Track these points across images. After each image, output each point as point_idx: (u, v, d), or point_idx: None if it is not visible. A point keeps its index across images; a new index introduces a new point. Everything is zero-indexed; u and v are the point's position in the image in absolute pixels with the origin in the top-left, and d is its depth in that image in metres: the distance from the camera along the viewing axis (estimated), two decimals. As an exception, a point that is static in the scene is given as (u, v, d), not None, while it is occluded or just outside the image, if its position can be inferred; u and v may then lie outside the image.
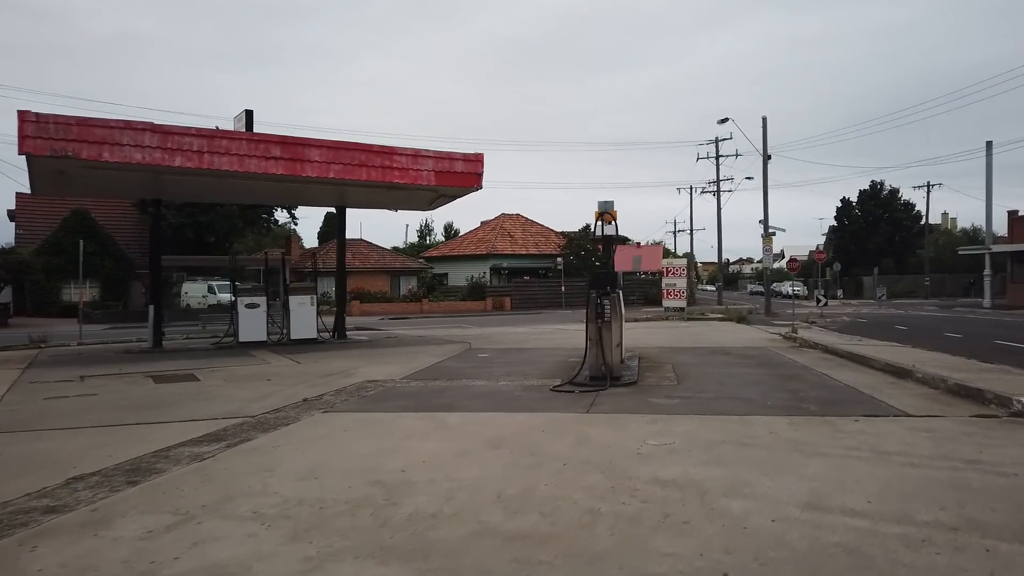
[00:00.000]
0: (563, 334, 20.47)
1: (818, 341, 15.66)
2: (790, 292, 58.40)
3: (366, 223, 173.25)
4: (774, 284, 70.37)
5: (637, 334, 19.99)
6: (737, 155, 47.58)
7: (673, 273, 30.02)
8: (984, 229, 42.19)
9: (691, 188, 61.58)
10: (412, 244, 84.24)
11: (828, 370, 11.28)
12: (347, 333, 20.81)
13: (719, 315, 29.51)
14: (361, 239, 52.70)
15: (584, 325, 10.28)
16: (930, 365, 11.64)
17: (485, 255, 49.80)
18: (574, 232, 50.13)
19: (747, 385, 9.74)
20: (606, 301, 9.94)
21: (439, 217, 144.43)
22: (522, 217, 55.11)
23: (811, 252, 40.89)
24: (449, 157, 17.03)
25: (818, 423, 7.03)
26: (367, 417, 7.73)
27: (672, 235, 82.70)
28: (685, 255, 72.59)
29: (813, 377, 10.52)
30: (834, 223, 71.85)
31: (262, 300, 17.95)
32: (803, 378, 10.42)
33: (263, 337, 17.57)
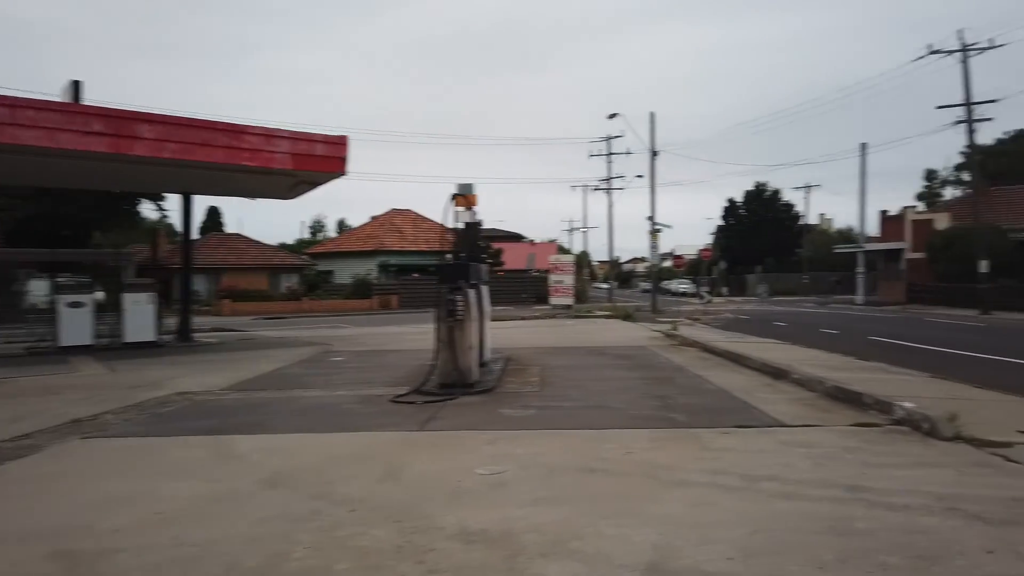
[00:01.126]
0: (439, 334, 19.10)
1: (697, 339, 15.00)
2: (679, 290, 59.50)
3: (251, 217, 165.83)
4: (665, 282, 72.09)
5: (517, 333, 18.92)
6: (629, 153, 47.63)
7: (560, 270, 29.28)
8: (858, 228, 43.96)
9: (584, 186, 61.64)
10: (302, 241, 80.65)
11: (704, 371, 10.45)
12: (197, 335, 18.63)
13: (606, 313, 28.93)
14: (238, 234, 49.57)
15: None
16: (808, 364, 11.02)
17: (372, 252, 47.72)
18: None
19: (616, 391, 8.70)
20: (458, 297, 8.66)
21: (332, 212, 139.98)
22: (413, 213, 53.25)
23: (700, 251, 41.43)
24: (308, 139, 15.34)
25: (684, 438, 5.99)
26: (135, 445, 6.11)
27: (568, 233, 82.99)
28: (581, 253, 72.92)
29: (687, 380, 9.62)
30: (721, 223, 73.91)
31: (88, 298, 15.62)
32: (676, 381, 9.51)
33: (88, 340, 15.27)
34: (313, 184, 17.30)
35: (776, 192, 70.70)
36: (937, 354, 14.27)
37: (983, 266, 28.27)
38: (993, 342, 16.78)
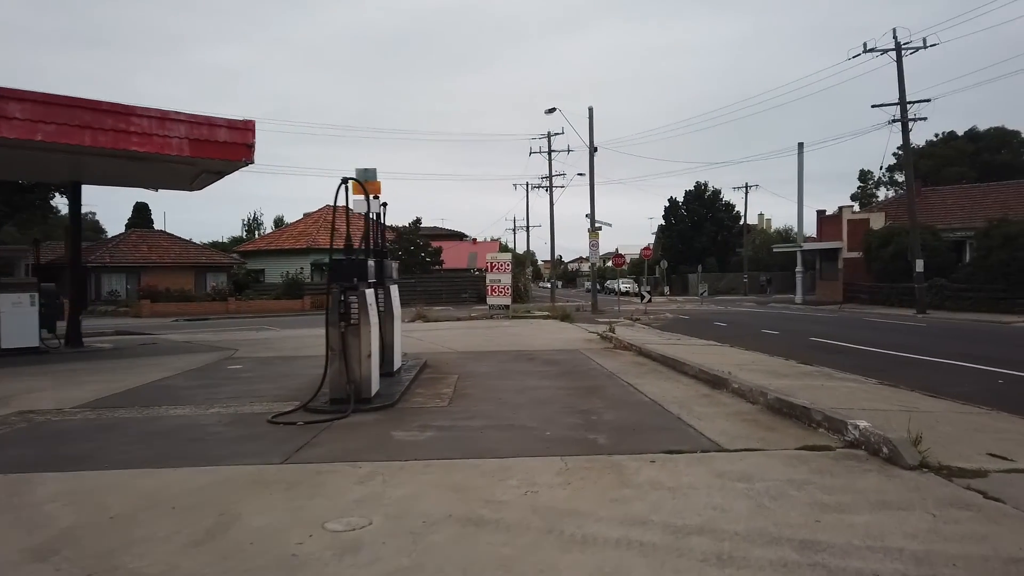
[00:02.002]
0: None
1: (633, 342, 14.08)
2: (623, 289, 59.19)
3: (180, 216, 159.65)
4: (609, 282, 71.80)
5: (448, 335, 17.78)
6: (569, 150, 47.13)
7: (497, 268, 28.17)
8: (796, 228, 44.18)
9: (526, 185, 60.74)
10: (236, 239, 77.63)
11: (637, 379, 9.49)
12: (93, 340, 16.91)
13: (545, 313, 27.98)
14: (162, 230, 47.08)
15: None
16: (749, 369, 10.19)
17: (305, 249, 45.82)
18: (404, 227, 47.34)
19: (535, 404, 7.64)
20: (353, 298, 7.47)
21: (272, 209, 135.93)
22: (350, 211, 51.43)
23: (641, 250, 40.89)
24: (209, 123, 13.84)
25: (602, 469, 4.94)
26: (-100, 490, 4.75)
27: (512, 232, 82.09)
28: (525, 252, 72.05)
29: (617, 390, 8.62)
30: (663, 223, 74.01)
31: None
32: (605, 392, 8.50)
33: (-49, 347, 13.50)
34: (219, 174, 15.78)
35: (717, 192, 71.21)
36: (880, 356, 13.67)
37: (919, 266, 28.34)
38: (933, 343, 16.36)
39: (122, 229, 53.71)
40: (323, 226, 48.53)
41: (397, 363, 9.75)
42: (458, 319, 26.52)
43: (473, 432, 6.29)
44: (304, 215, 52.80)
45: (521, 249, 73.88)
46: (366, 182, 8.66)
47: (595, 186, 31.41)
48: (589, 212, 31.55)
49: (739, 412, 7.04)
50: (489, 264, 28.68)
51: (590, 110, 31.40)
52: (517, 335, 17.80)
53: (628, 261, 32.63)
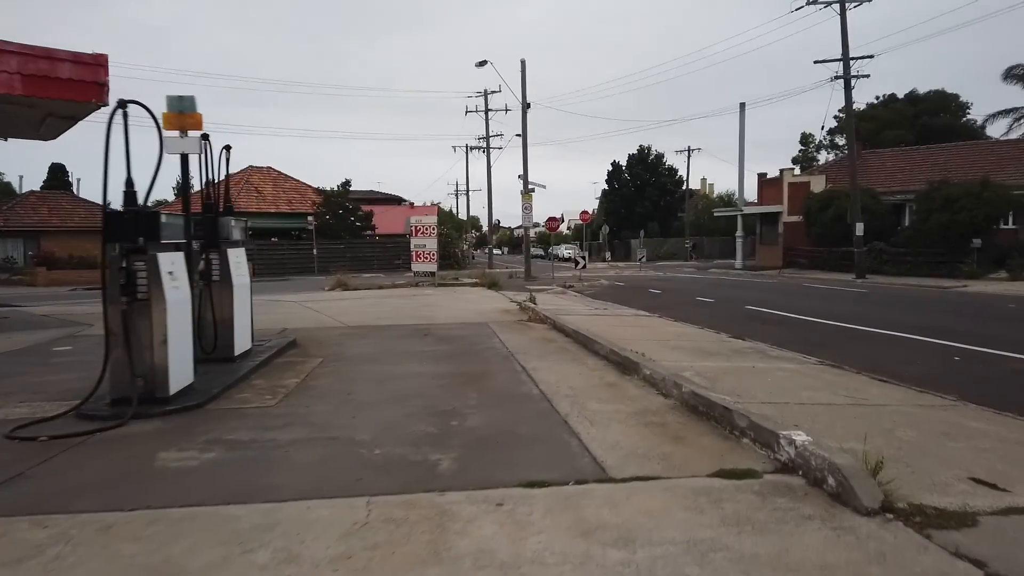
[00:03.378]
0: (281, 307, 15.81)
1: (550, 313, 12.49)
2: (564, 255, 57.81)
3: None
4: (553, 247, 70.38)
5: (353, 306, 15.96)
6: (507, 110, 44.97)
7: (422, 233, 26.23)
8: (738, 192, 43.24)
9: (467, 147, 58.40)
10: (159, 202, 73.27)
11: (537, 361, 7.86)
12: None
13: (473, 280, 26.28)
14: (67, 192, 43.54)
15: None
16: (673, 347, 8.70)
17: (223, 213, 42.78)
18: (332, 189, 44.75)
19: (391, 401, 5.93)
20: (140, 264, 5.59)
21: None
22: (274, 171, 48.44)
23: (580, 214, 39.34)
24: (49, 56, 11.50)
25: (416, 522, 3.27)
26: None
27: (455, 197, 79.68)
28: (471, 218, 69.97)
29: (506, 378, 6.97)
30: (607, 187, 72.65)
31: None
32: (490, 380, 6.84)
33: None
34: (70, 119, 13.44)
35: (660, 156, 69.97)
36: (820, 328, 12.37)
37: (859, 229, 27.49)
38: (876, 312, 15.22)
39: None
40: (245, 188, 45.57)
41: (243, 345, 7.90)
42: (380, 287, 24.63)
43: (274, 451, 4.54)
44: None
45: (467, 215, 71.72)
46: (181, 113, 6.65)
47: (528, 146, 29.61)
48: (522, 173, 29.75)
49: (644, 411, 5.44)
50: (413, 228, 26.72)
51: (522, 63, 29.44)
52: (428, 306, 16.04)
53: (566, 225, 30.86)
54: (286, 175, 48.70)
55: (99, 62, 11.96)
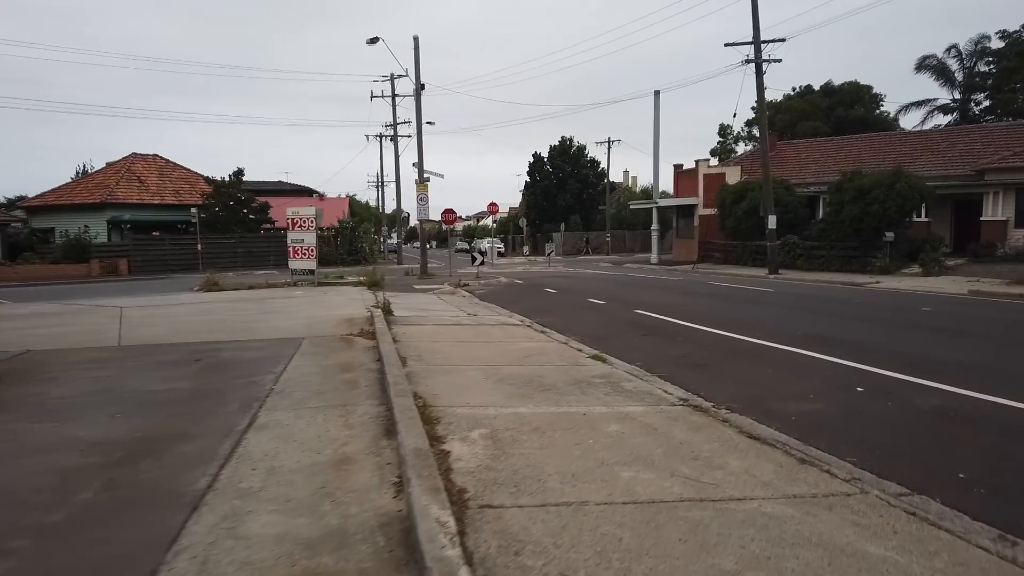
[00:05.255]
0: (84, 317, 12.96)
1: (400, 322, 10.16)
2: (483, 249, 55.61)
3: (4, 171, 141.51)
4: (476, 241, 67.87)
5: (179, 313, 13.33)
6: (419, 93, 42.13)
7: (300, 226, 23.46)
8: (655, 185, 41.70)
9: (379, 136, 55.31)
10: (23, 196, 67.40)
11: (285, 412, 5.50)
12: None
13: (356, 279, 23.69)
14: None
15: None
16: (500, 378, 6.48)
17: (100, 204, 38.82)
18: (224, 179, 41.17)
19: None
20: None
21: (99, 160, 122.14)
22: (160, 159, 44.42)
23: (488, 206, 37.12)
24: None
25: None
26: None
27: (378, 188, 76.02)
28: (395, 212, 66.76)
29: (193, 455, 4.57)
30: (528, 179, 70.65)
31: None
32: (155, 468, 4.44)
33: None
34: None
35: (582, 148, 68.39)
36: (707, 339, 10.40)
37: (771, 222, 26.10)
38: (778, 316, 13.44)
39: None
40: (126, 177, 41.58)
41: None
42: (251, 287, 21.86)
43: None
44: (107, 164, 45.20)
45: (383, 207, 68.39)
46: None
47: (423, 132, 27.11)
48: (416, 161, 27.24)
49: (325, 535, 3.15)
50: (290, 221, 23.91)
51: (415, 40, 26.84)
52: (272, 312, 13.52)
53: (492, 219, 28.21)
54: (174, 163, 44.82)
55: None
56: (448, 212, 26.64)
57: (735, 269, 29.58)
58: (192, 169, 44.81)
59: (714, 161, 43.69)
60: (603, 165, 67.79)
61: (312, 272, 23.29)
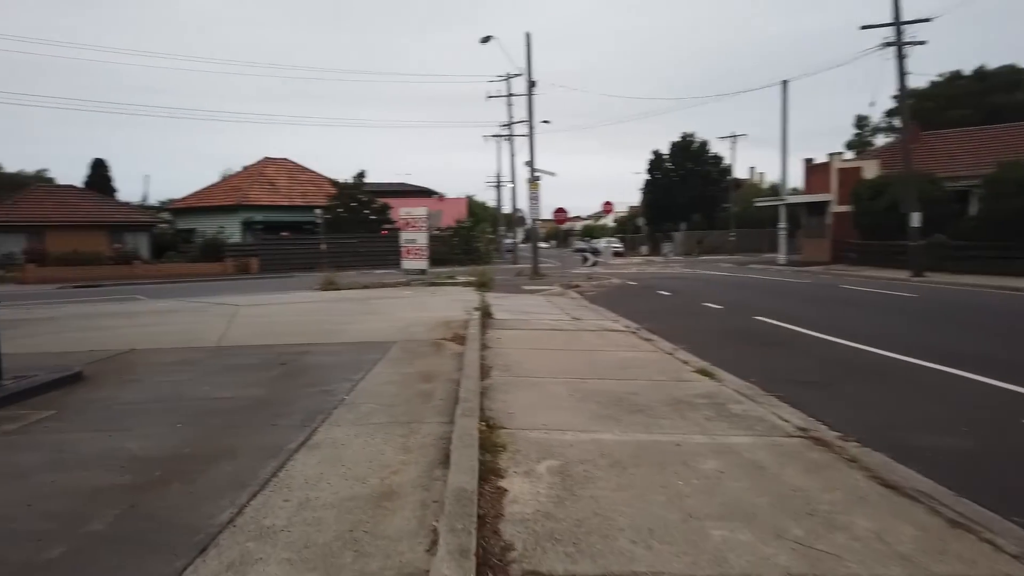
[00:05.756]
0: (196, 314, 13.44)
1: (497, 326, 9.67)
2: (599, 248, 54.68)
3: (162, 175, 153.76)
4: (594, 241, 67.05)
5: (284, 312, 13.53)
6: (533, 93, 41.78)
7: (412, 226, 23.62)
8: (784, 180, 39.23)
9: (496, 136, 55.45)
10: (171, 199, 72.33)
11: (347, 428, 5.06)
12: None
13: (466, 280, 23.52)
14: (72, 186, 42.42)
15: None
16: (587, 395, 5.79)
17: (234, 206, 41.07)
18: (347, 181, 42.49)
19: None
20: None
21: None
22: (290, 162, 46.50)
23: (603, 204, 36.18)
24: None
25: None
26: None
27: (496, 189, 76.58)
28: (514, 211, 67.10)
29: (226, 477, 4.19)
30: (648, 177, 68.82)
31: None
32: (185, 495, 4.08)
33: None
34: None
35: (704, 144, 65.85)
36: (835, 353, 9.21)
37: (915, 220, 23.70)
38: (920, 328, 11.91)
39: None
40: (258, 181, 43.82)
41: None
42: (365, 286, 22.17)
43: None
44: (243, 168, 47.85)
45: (509, 207, 68.76)
46: None
47: (536, 131, 26.60)
48: (528, 160, 26.81)
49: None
50: (403, 221, 24.12)
51: (527, 36, 26.39)
52: (370, 313, 13.42)
53: (612, 218, 27.34)
54: (302, 167, 46.78)
55: None
56: (560, 211, 26.04)
57: (872, 271, 27.15)
58: (319, 172, 46.57)
59: (849, 154, 40.67)
60: (727, 161, 65.01)
61: (424, 272, 23.37)
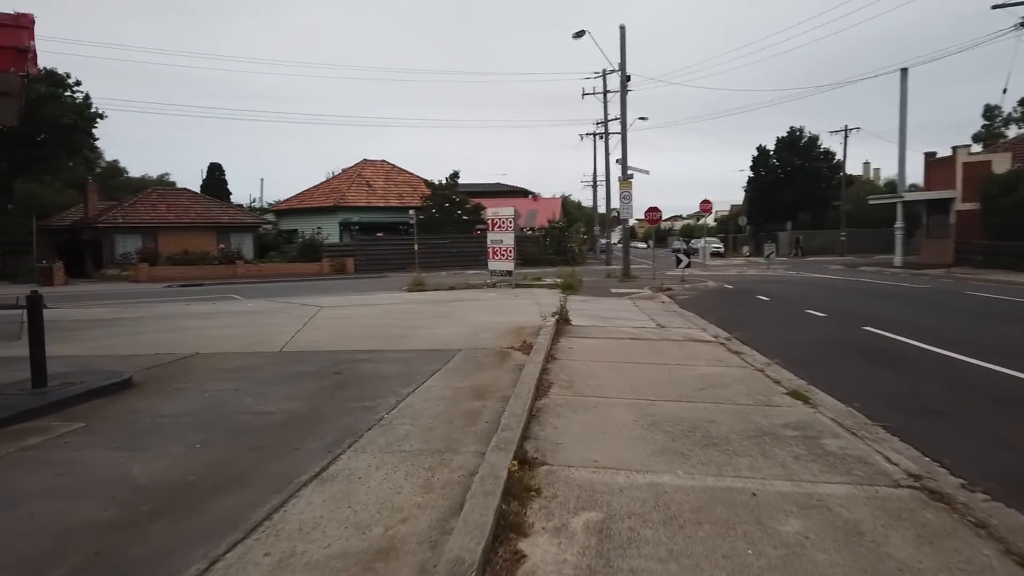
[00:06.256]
0: (274, 316, 13.48)
1: (575, 333, 8.99)
2: (696, 249, 52.78)
3: (277, 178, 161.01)
4: (694, 241, 64.71)
5: (363, 314, 13.32)
6: (628, 90, 40.67)
7: (499, 227, 23.15)
8: (902, 175, 36.32)
9: (595, 134, 54.37)
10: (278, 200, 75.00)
11: (369, 458, 4.51)
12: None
13: (553, 281, 22.88)
14: (185, 188, 44.51)
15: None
16: (655, 422, 5.04)
17: (333, 208, 42.00)
18: (440, 181, 42.68)
19: None
20: None
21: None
22: (387, 164, 47.18)
23: (701, 203, 34.63)
24: None
25: None
26: None
27: (593, 188, 75.49)
28: (609, 210, 66.06)
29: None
30: (751, 175, 65.93)
31: None
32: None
33: None
34: (4, 94, 11.53)
35: (814, 138, 62.37)
36: (956, 373, 7.96)
37: (1054, 219, 21.18)
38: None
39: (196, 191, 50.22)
40: (356, 182, 44.69)
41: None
42: (451, 288, 21.98)
43: None
44: (343, 171, 48.99)
45: (603, 206, 67.63)
46: None
47: (630, 128, 25.61)
48: (620, 158, 25.81)
49: None
50: (490, 222, 23.67)
51: (621, 29, 25.34)
52: (444, 316, 12.98)
53: (660, 217, 25.95)
54: (399, 168, 47.39)
55: (20, 24, 9.74)
56: (652, 210, 24.91)
57: (1002, 275, 24.56)
58: (415, 173, 47.03)
59: (977, 147, 37.27)
60: (838, 156, 61.29)
61: (510, 273, 22.86)
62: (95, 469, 4.31)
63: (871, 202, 41.28)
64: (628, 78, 25.77)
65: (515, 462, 3.87)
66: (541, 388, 6.36)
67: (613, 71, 39.30)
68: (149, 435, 5.07)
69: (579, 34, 27.33)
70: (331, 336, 10.46)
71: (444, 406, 5.80)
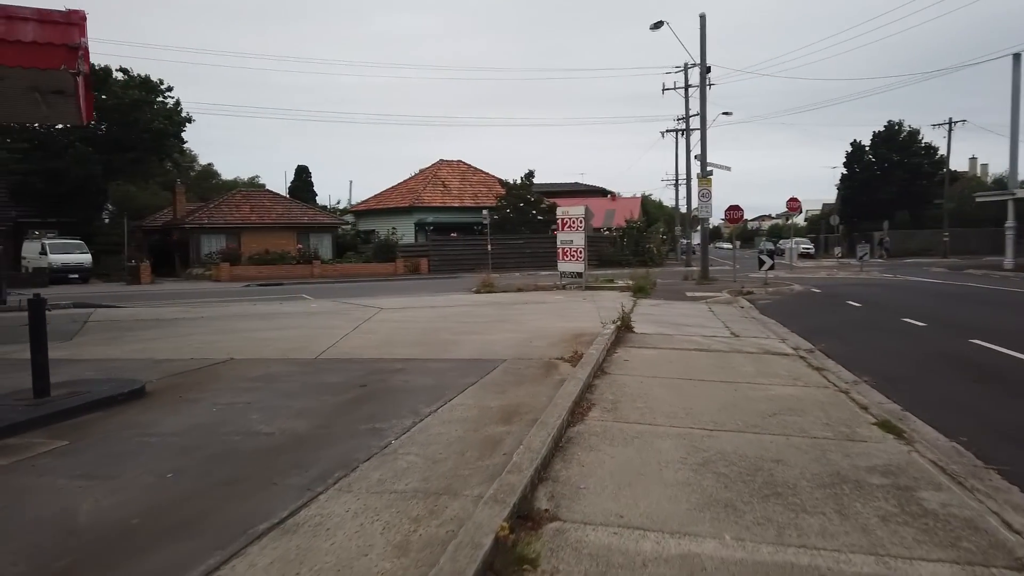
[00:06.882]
0: (330, 318, 13.15)
1: (637, 343, 8.13)
2: (782, 250, 50.37)
3: (367, 179, 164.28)
4: (783, 242, 61.85)
5: (418, 317, 12.82)
6: (710, 84, 39.07)
7: (569, 227, 22.31)
8: (1013, 171, 33.28)
9: (676, 131, 52.55)
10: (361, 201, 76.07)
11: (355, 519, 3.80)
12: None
13: (624, 283, 21.85)
14: (266, 189, 45.50)
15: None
16: (708, 462, 4.20)
17: (408, 208, 42.02)
18: (514, 181, 42.09)
19: None
20: None
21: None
22: (463, 164, 46.95)
23: (787, 202, 32.67)
24: (7, 16, 9.55)
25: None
26: None
27: (675, 187, 73.44)
28: (692, 210, 64.11)
29: None
30: (845, 172, 62.43)
31: None
32: None
33: None
34: (60, 92, 11.52)
35: (914, 132, 58.59)
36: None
37: None
38: None
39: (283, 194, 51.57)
40: (432, 183, 44.64)
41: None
42: (519, 289, 21.33)
43: None
44: (419, 171, 49.08)
45: (679, 207, 65.65)
46: None
47: (710, 123, 24.27)
48: (699, 153, 24.49)
49: None
50: (560, 222, 22.86)
51: (701, 18, 23.97)
52: (502, 320, 12.32)
53: (742, 216, 24.35)
54: (475, 168, 47.10)
55: (72, 20, 9.54)
56: (733, 209, 23.48)
57: None
58: (490, 173, 46.62)
59: (1103, 138, 33.70)
60: (941, 151, 57.24)
61: (580, 275, 21.97)
62: (41, 504, 3.77)
63: (978, 199, 38.20)
64: (708, 69, 24.46)
65: (506, 524, 3.04)
66: (578, 411, 5.53)
67: (694, 65, 37.69)
68: (124, 460, 4.53)
69: (657, 25, 26.14)
70: (377, 342, 9.91)
71: (463, 431, 5.06)
